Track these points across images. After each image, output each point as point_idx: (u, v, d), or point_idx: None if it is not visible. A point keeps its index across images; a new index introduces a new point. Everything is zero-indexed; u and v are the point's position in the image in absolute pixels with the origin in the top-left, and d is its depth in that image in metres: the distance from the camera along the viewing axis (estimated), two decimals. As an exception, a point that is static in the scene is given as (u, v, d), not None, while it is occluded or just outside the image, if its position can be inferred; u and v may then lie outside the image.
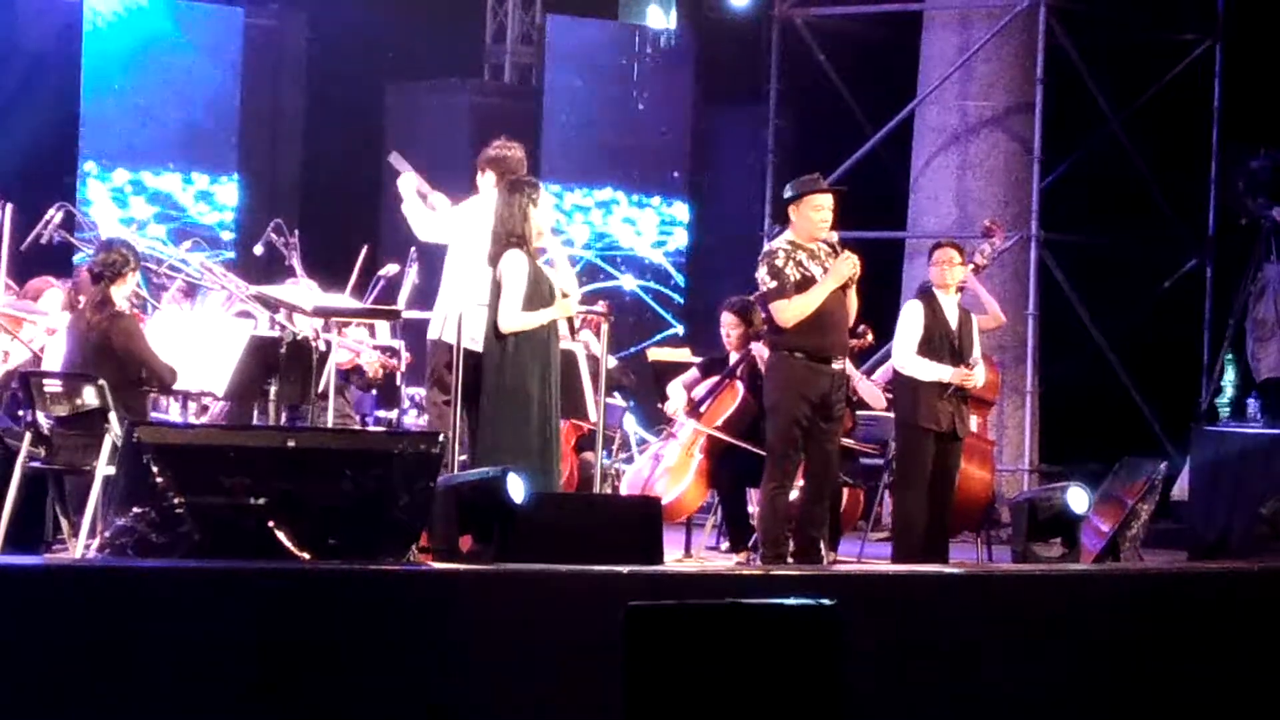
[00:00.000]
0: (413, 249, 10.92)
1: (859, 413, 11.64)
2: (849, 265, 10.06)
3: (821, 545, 10.18)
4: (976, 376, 10.66)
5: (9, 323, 10.45)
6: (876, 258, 12.91)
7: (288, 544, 7.87)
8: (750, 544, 10.78)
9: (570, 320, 10.40)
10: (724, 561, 11.18)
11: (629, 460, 12.13)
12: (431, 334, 10.30)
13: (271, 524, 7.88)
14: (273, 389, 10.02)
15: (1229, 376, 14.76)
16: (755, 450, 10.71)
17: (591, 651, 6.40)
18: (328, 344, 10.08)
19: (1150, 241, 15.58)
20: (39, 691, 6.47)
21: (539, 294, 9.66)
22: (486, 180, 10.23)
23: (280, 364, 9.95)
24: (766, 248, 10.24)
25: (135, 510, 7.80)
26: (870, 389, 11.54)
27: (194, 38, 15.19)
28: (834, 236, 10.18)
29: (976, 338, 10.89)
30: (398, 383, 11.36)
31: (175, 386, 9.92)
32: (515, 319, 9.58)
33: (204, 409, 10.75)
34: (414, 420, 11.64)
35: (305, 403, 10.07)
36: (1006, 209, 14.93)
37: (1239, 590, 8.62)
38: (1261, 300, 14.55)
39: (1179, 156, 15.72)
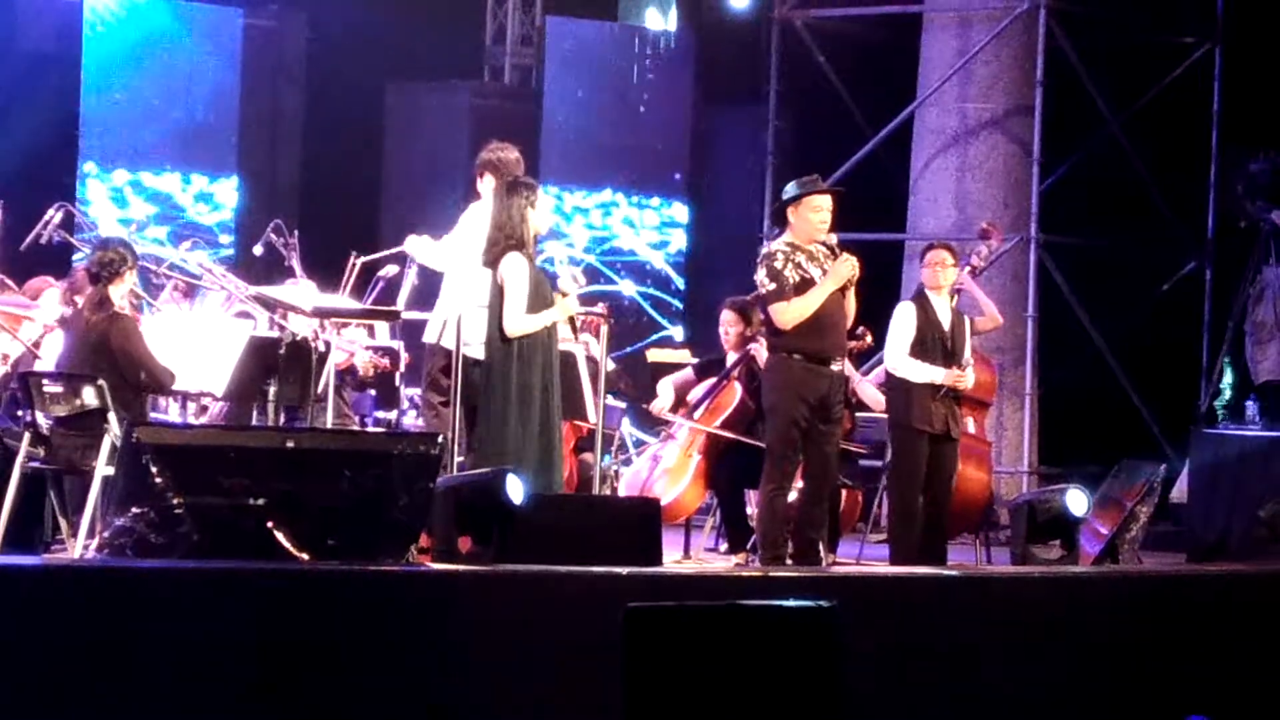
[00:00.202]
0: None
1: (859, 414, 11.64)
2: (848, 267, 10.06)
3: (820, 547, 10.19)
4: (968, 378, 10.67)
5: (7, 321, 10.44)
6: (876, 260, 12.91)
7: (287, 544, 7.87)
8: (749, 545, 10.78)
9: (573, 320, 10.40)
10: (723, 563, 11.18)
11: (626, 462, 12.13)
12: (428, 338, 10.31)
13: (271, 524, 7.88)
14: (272, 389, 10.02)
15: (1228, 379, 14.77)
16: (754, 444, 10.72)
17: (591, 653, 6.39)
18: (327, 344, 10.09)
19: (1149, 244, 15.58)
20: (38, 692, 6.47)
21: (540, 296, 9.67)
22: (486, 184, 10.30)
23: (279, 365, 9.95)
24: (765, 250, 10.24)
25: (134, 510, 7.80)
26: (871, 391, 11.54)
27: (194, 38, 15.19)
28: (833, 238, 10.18)
29: (968, 339, 10.89)
30: (397, 383, 11.36)
31: (174, 387, 9.93)
32: (520, 322, 9.58)
33: (203, 409, 10.75)
34: (413, 421, 11.64)
35: (305, 403, 10.07)
36: (1006, 211, 14.94)
37: (1237, 592, 8.62)
38: (1260, 303, 14.55)
39: (1178, 159, 15.72)
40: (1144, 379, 15.36)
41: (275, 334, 10.15)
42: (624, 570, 7.51)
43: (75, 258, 12.52)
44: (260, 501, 7.90)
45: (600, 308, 11.23)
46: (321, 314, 10.18)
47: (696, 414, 11.34)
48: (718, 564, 11.24)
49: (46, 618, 6.56)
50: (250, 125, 15.62)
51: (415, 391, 11.63)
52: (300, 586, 7.07)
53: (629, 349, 14.82)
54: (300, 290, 10.62)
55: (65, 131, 14.77)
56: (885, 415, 11.26)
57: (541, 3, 17.11)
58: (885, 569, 10.15)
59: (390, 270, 11.26)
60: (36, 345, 10.28)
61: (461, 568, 8.16)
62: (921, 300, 10.80)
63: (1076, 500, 10.47)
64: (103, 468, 9.12)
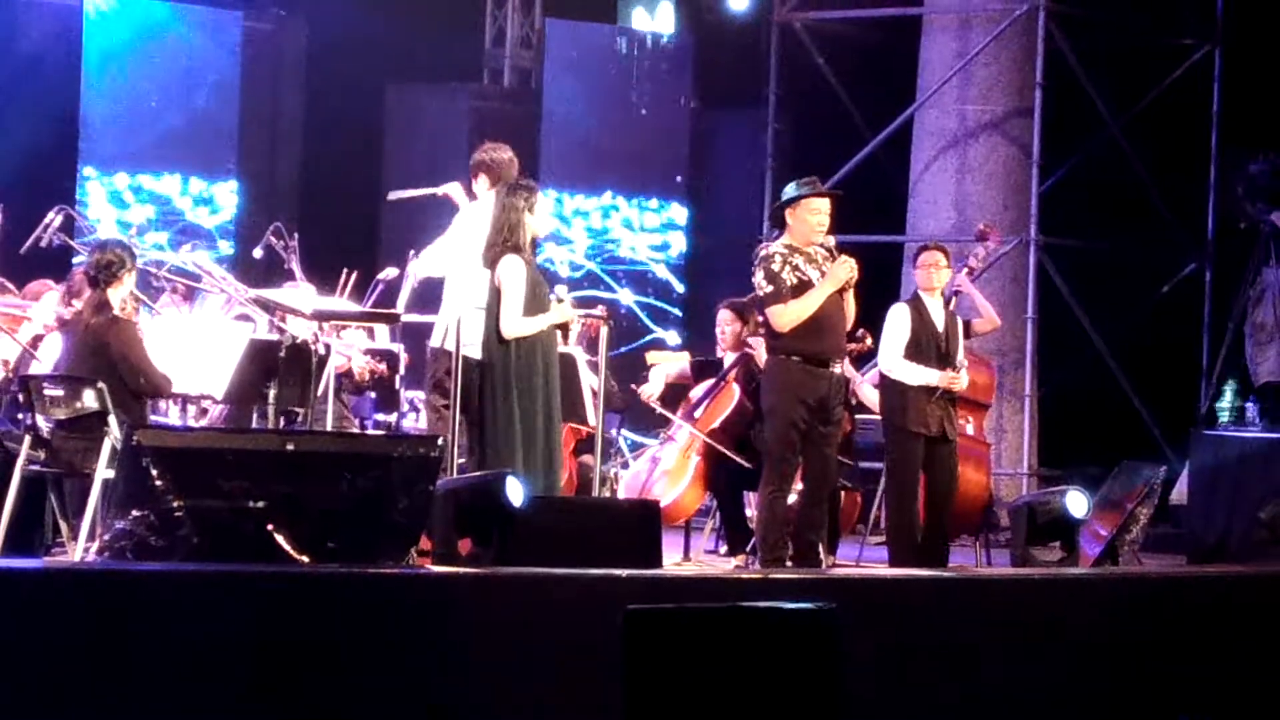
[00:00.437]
0: (411, 252, 10.93)
1: (859, 416, 11.65)
2: (845, 269, 10.06)
3: (820, 549, 10.19)
4: (962, 379, 10.67)
5: (5, 322, 10.44)
6: (875, 262, 12.93)
7: (287, 547, 7.87)
8: (749, 547, 10.78)
9: (565, 327, 10.39)
10: (723, 565, 11.19)
11: (624, 466, 12.14)
12: (434, 342, 10.34)
13: (270, 527, 7.88)
14: (272, 392, 10.02)
15: (1228, 381, 14.76)
16: (744, 463, 10.80)
17: (590, 655, 6.39)
18: (326, 347, 10.09)
19: (1149, 246, 15.58)
20: (39, 694, 6.47)
21: (537, 298, 9.68)
22: (481, 185, 10.39)
23: (279, 367, 9.96)
24: (763, 252, 10.24)
25: (134, 513, 7.80)
26: (872, 393, 11.54)
27: (193, 40, 15.19)
28: (831, 240, 10.19)
29: (961, 340, 10.89)
30: (397, 386, 11.36)
31: (174, 390, 9.93)
32: (517, 324, 9.59)
33: (203, 412, 10.75)
34: (413, 424, 11.64)
35: (304, 406, 10.08)
36: (1005, 213, 14.95)
37: (1237, 594, 8.62)
38: (1260, 304, 14.55)
39: (1178, 161, 15.72)
40: (1144, 381, 15.37)
41: (275, 337, 10.16)
42: (623, 572, 7.51)
43: (75, 261, 12.52)
44: (260, 504, 7.90)
45: (600, 310, 11.25)
46: (321, 317, 10.19)
47: (696, 414, 11.34)
48: (717, 566, 11.25)
49: (47, 620, 6.56)
50: (250, 128, 15.63)
51: (415, 394, 11.64)
52: (300, 589, 7.07)
53: (622, 349, 14.81)
54: (300, 293, 10.62)
55: (65, 134, 14.77)
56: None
57: (541, 5, 17.11)
58: (885, 571, 10.15)
59: (390, 273, 11.26)
60: (34, 345, 10.27)
61: (461, 570, 8.16)
62: (915, 302, 10.81)
63: (1076, 502, 10.47)
64: (103, 470, 9.12)
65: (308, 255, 11.13)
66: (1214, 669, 8.04)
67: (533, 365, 9.61)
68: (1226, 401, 12.96)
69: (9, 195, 11.65)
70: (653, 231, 16.43)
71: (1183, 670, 8.01)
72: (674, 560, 10.94)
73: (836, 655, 5.38)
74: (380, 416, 11.96)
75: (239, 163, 15.41)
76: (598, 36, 16.55)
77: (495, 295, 9.64)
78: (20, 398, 9.65)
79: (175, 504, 7.80)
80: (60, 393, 9.45)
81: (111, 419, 9.26)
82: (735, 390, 11.23)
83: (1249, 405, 13.02)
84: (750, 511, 11.08)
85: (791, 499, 10.17)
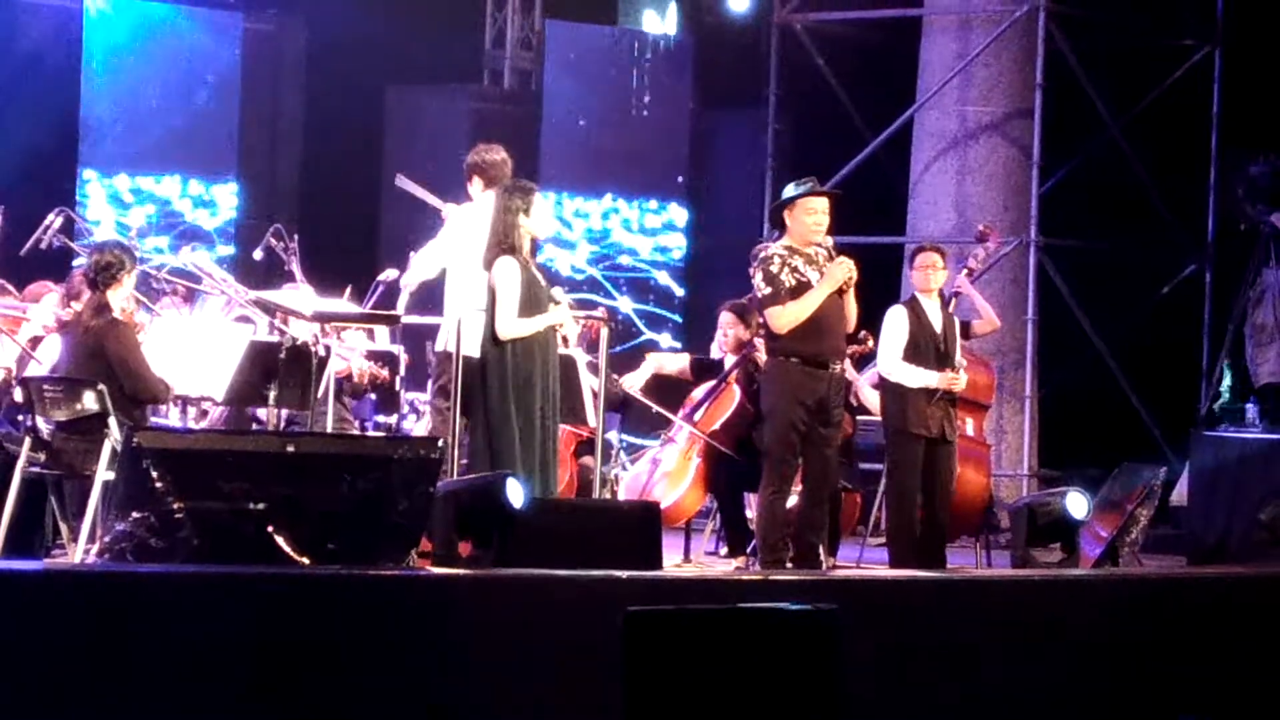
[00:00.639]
0: (411, 253, 10.92)
1: (860, 418, 11.65)
2: (843, 269, 10.06)
3: (820, 550, 10.18)
4: (961, 380, 10.68)
5: (4, 323, 10.44)
6: (876, 263, 12.93)
7: (287, 549, 7.87)
8: (749, 549, 10.78)
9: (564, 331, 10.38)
10: (723, 566, 11.18)
11: (622, 467, 12.14)
12: (439, 345, 10.33)
13: (271, 529, 7.89)
14: (272, 394, 10.02)
15: (1228, 382, 14.76)
16: (733, 455, 10.80)
17: (591, 656, 6.40)
18: (327, 349, 10.09)
19: (1149, 247, 15.58)
20: (39, 696, 6.47)
21: (534, 300, 9.68)
22: (475, 187, 10.40)
23: (279, 369, 9.95)
24: (762, 253, 10.23)
25: (134, 515, 7.80)
26: (873, 395, 11.54)
27: (193, 40, 15.19)
28: (829, 241, 10.18)
29: (959, 341, 10.89)
30: (397, 388, 11.36)
31: (175, 392, 9.92)
32: (511, 326, 9.59)
33: (203, 414, 10.75)
34: (413, 425, 11.64)
35: (305, 408, 10.08)
36: (1006, 214, 14.94)
37: (1237, 595, 8.63)
38: (1260, 305, 14.55)
39: (1178, 162, 15.72)
40: (1144, 382, 15.36)
41: (275, 339, 10.15)
42: (624, 574, 7.52)
43: (75, 262, 12.52)
44: (260, 506, 7.90)
45: (600, 311, 11.24)
46: (321, 319, 10.19)
47: (697, 416, 11.34)
48: (718, 567, 11.25)
49: (47, 622, 6.56)
50: (250, 130, 15.62)
51: (415, 396, 11.63)
52: (300, 590, 7.07)
53: (617, 348, 14.80)
54: (300, 295, 10.62)
55: (64, 136, 14.76)
56: (882, 419, 11.25)
57: (541, 6, 17.10)
58: (885, 572, 10.16)
59: (390, 274, 11.26)
60: (33, 347, 10.27)
61: (461, 571, 8.17)
62: (912, 304, 10.81)
63: (1077, 503, 10.47)
64: (103, 472, 9.12)
65: (308, 256, 11.13)
66: (1214, 669, 8.04)
67: (531, 366, 9.60)
68: (1224, 390, 12.99)
69: (9, 196, 11.64)
70: (653, 233, 16.43)
71: (1183, 670, 8.01)
72: (674, 562, 10.94)
73: (837, 656, 5.38)
74: (380, 419, 11.96)
75: (239, 163, 15.40)
76: (598, 38, 16.55)
77: (491, 297, 9.65)
78: (20, 399, 9.65)
79: (175, 506, 7.81)
80: (60, 394, 9.44)
81: (112, 421, 9.25)
82: (736, 391, 11.23)
83: (1249, 406, 13.02)
84: (750, 513, 11.08)
85: (792, 500, 10.16)
